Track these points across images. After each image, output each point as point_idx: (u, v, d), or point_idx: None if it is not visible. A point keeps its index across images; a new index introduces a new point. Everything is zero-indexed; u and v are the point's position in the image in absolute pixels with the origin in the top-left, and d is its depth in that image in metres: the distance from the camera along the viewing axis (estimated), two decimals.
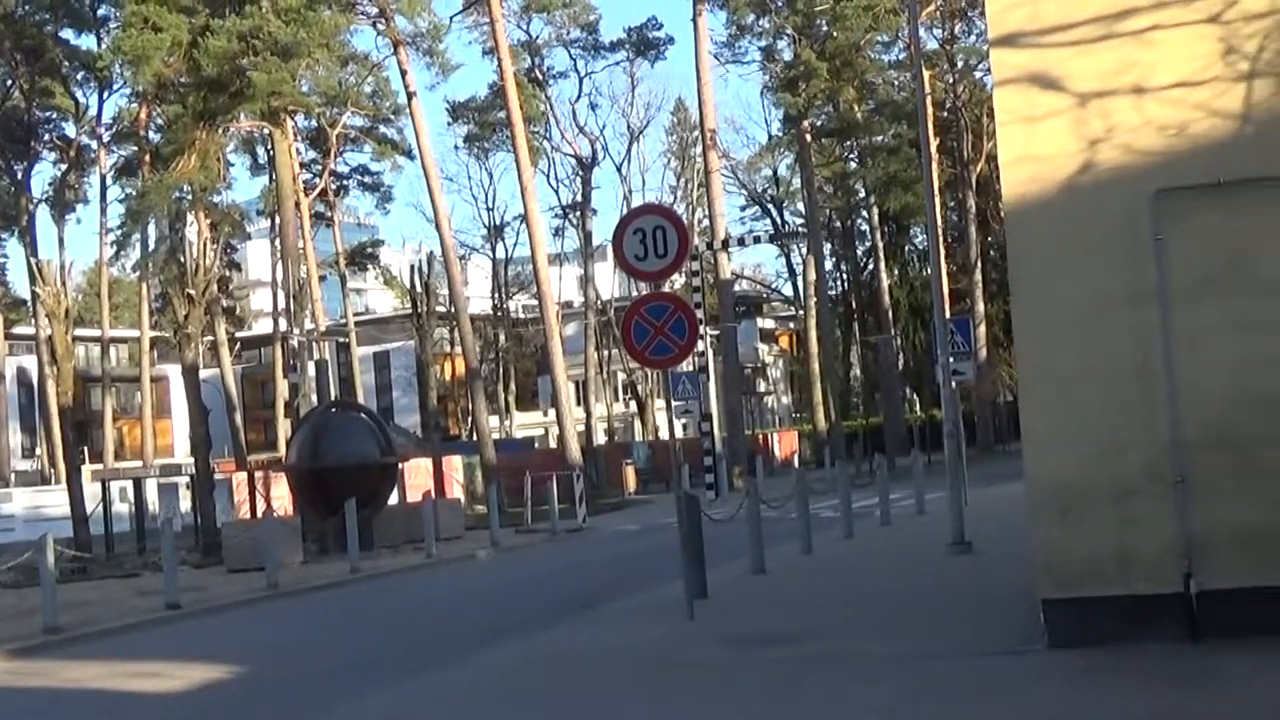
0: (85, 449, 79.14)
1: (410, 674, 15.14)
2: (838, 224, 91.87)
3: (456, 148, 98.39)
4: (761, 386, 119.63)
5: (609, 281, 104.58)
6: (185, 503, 45.57)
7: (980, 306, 74.13)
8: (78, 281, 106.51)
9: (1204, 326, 11.64)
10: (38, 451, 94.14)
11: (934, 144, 28.91)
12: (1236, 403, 11.66)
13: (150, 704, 15.44)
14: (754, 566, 21.62)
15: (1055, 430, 12.06)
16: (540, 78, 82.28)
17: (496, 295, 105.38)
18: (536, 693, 13.13)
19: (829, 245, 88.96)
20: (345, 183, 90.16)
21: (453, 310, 66.52)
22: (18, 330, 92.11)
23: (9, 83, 79.07)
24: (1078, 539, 11.95)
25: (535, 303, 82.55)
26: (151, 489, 47.16)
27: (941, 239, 34.11)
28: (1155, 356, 11.71)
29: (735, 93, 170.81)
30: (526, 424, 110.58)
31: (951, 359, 25.72)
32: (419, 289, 58.10)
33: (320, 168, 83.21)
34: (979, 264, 77.96)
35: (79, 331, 66.71)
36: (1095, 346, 11.89)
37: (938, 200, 27.35)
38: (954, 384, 25.10)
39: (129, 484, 46.22)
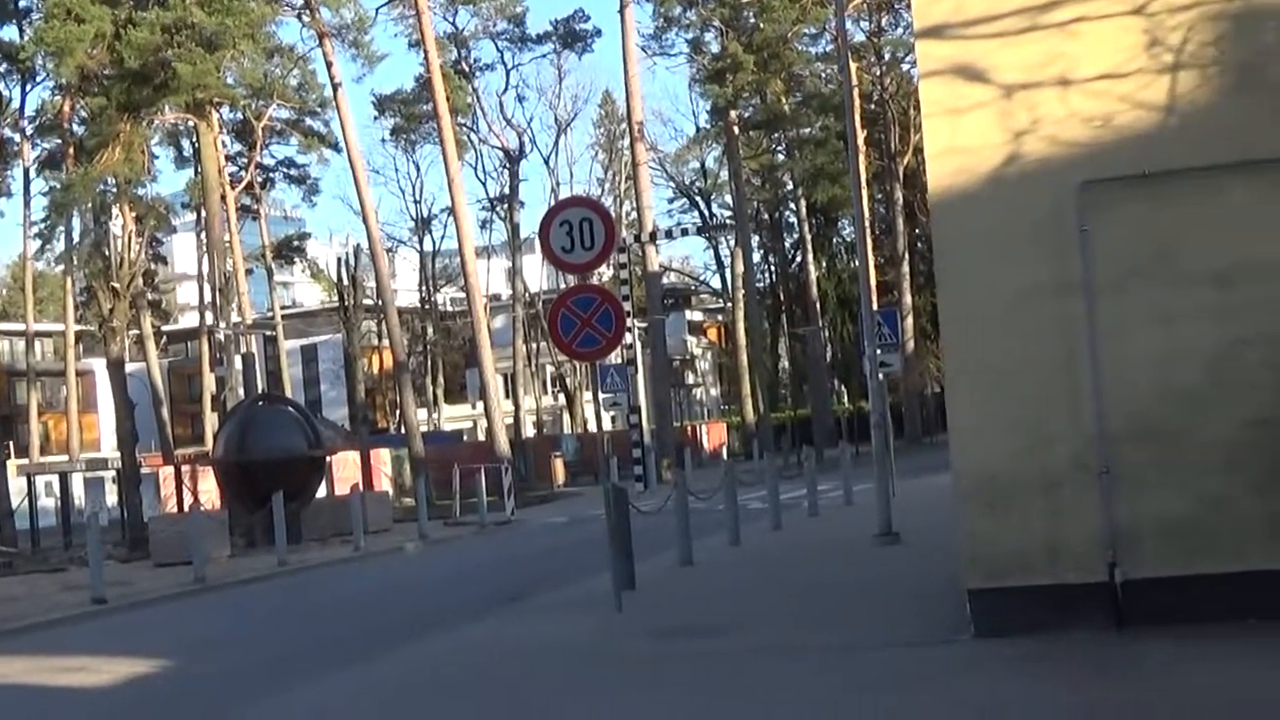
0: (10, 443, 78.50)
1: (338, 667, 15.08)
2: (765, 216, 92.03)
3: (383, 140, 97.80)
4: (690, 379, 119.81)
5: (537, 274, 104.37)
6: (111, 497, 45.29)
7: (908, 299, 74.46)
8: (1, 275, 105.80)
9: (1129, 318, 11.73)
10: None
11: (861, 136, 29.08)
12: (1161, 394, 11.75)
13: (76, 699, 15.33)
14: (682, 558, 21.65)
15: (982, 422, 12.12)
16: (467, 70, 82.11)
17: (424, 288, 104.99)
18: (464, 685, 13.11)
19: (757, 237, 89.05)
20: (271, 175, 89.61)
21: (380, 303, 66.24)
22: None
23: None
24: (1004, 530, 12.02)
25: (463, 295, 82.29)
26: (77, 483, 46.84)
27: (869, 231, 34.24)
28: (1081, 348, 11.79)
29: (663, 85, 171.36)
30: (455, 417, 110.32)
31: (879, 351, 25.90)
32: (346, 282, 58.09)
33: (246, 160, 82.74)
34: (907, 256, 78.27)
35: (3, 326, 66.21)
36: (1021, 338, 11.95)
37: (865, 192, 27.50)
38: (881, 376, 25.24)
39: (55, 478, 45.91)
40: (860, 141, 26.85)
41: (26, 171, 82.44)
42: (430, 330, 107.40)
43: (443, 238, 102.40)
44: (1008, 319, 12.00)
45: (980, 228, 12.14)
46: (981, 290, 12.11)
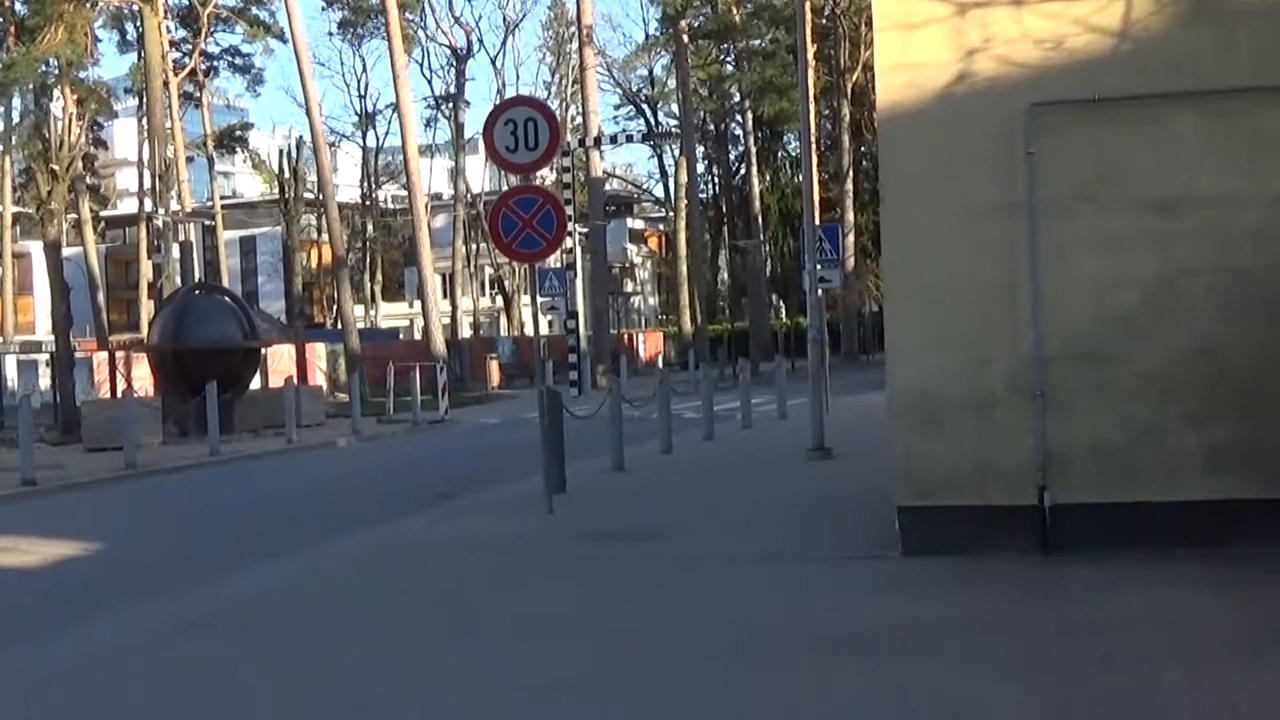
0: None
1: (267, 557, 15.10)
2: (711, 127, 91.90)
3: (330, 33, 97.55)
4: (629, 287, 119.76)
5: (479, 175, 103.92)
6: (45, 380, 45.02)
7: (850, 216, 74.47)
8: None
9: (1072, 242, 11.79)
10: None
11: (811, 51, 28.94)
12: (1100, 320, 11.83)
13: (5, 578, 15.31)
14: (614, 464, 21.76)
15: (919, 340, 12.17)
16: None
17: (366, 184, 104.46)
18: (393, 579, 13.15)
19: (701, 148, 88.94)
20: (215, 64, 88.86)
21: (321, 197, 65.91)
22: None
23: None
24: (937, 448, 12.11)
25: (404, 193, 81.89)
26: (10, 365, 46.54)
27: (814, 146, 34.18)
28: (1022, 270, 11.85)
29: None
30: (392, 315, 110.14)
31: (819, 267, 25.92)
32: (287, 174, 57.55)
33: (190, 47, 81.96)
34: (850, 173, 78.18)
35: None
36: (962, 258, 11.99)
37: (812, 107, 27.40)
38: (820, 292, 25.27)
39: None
40: (810, 56, 26.72)
41: None
42: (370, 227, 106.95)
43: (386, 134, 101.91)
44: (950, 238, 12.04)
45: (927, 145, 12.15)
46: (925, 208, 12.13)
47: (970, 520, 12.02)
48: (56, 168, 37.88)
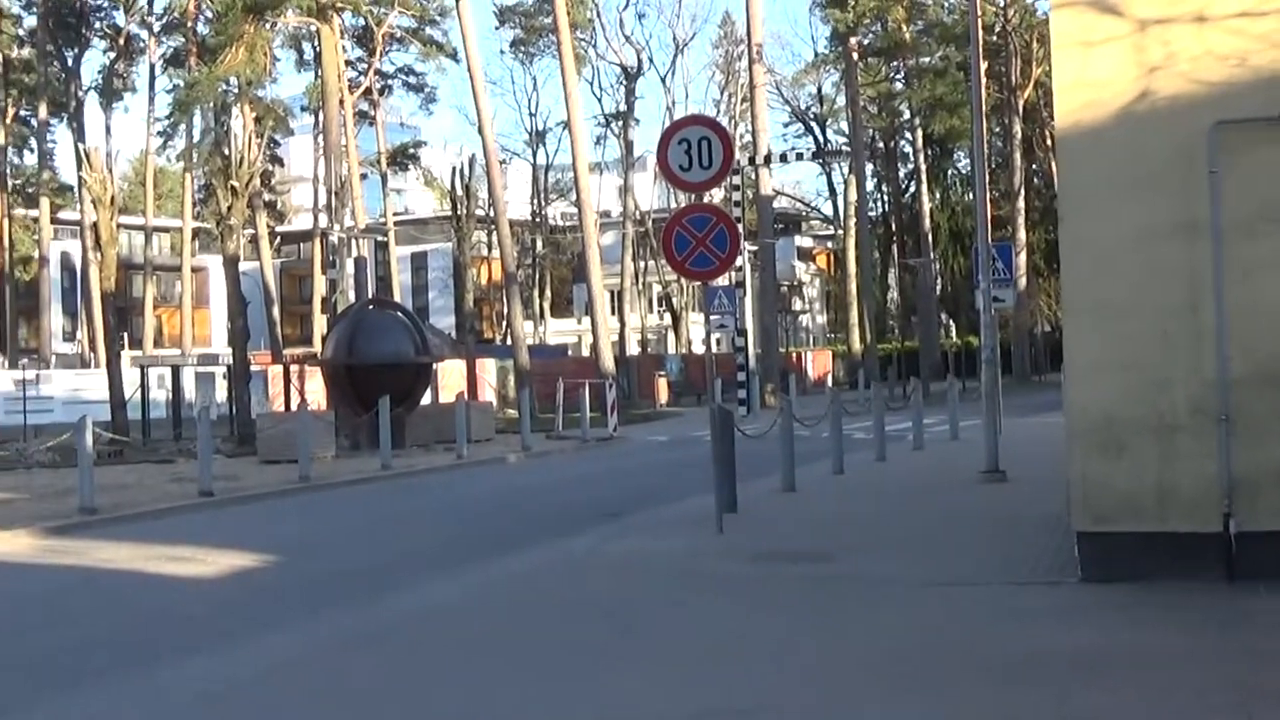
0: (125, 335, 79.53)
1: (438, 572, 15.21)
2: (881, 145, 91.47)
3: (502, 52, 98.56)
4: (797, 305, 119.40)
5: (648, 192, 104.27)
6: (221, 392, 45.71)
7: (1021, 234, 73.74)
8: (124, 170, 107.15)
9: (1256, 262, 11.49)
10: (78, 335, 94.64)
11: (982, 67, 28.65)
12: None
13: (183, 587, 15.55)
14: (785, 484, 21.60)
15: (1099, 361, 11.95)
16: None
17: (536, 201, 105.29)
18: (563, 598, 13.15)
19: (871, 166, 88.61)
20: (390, 82, 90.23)
21: (492, 214, 66.34)
22: (63, 215, 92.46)
23: None
24: (1116, 473, 11.86)
25: (574, 210, 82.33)
26: (189, 377, 47.35)
27: (986, 164, 33.85)
28: (1204, 291, 11.58)
29: (783, 8, 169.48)
30: (560, 331, 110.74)
31: (992, 285, 25.61)
32: (459, 191, 58.02)
33: (366, 66, 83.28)
34: (1022, 191, 77.44)
35: (123, 219, 66.96)
36: (1144, 278, 11.75)
37: (984, 125, 27.11)
38: (993, 310, 24.99)
39: (167, 371, 46.41)
40: (982, 73, 26.42)
41: (152, 68, 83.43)
42: (540, 244, 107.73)
43: (556, 152, 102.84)
44: (1130, 257, 11.81)
45: (1107, 163, 11.94)
46: (1105, 227, 11.92)
47: (1151, 547, 11.76)
48: (236, 184, 38.48)
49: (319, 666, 10.65)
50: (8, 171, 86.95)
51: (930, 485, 22.46)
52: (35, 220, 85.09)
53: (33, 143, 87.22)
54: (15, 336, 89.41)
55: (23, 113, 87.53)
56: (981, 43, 26.11)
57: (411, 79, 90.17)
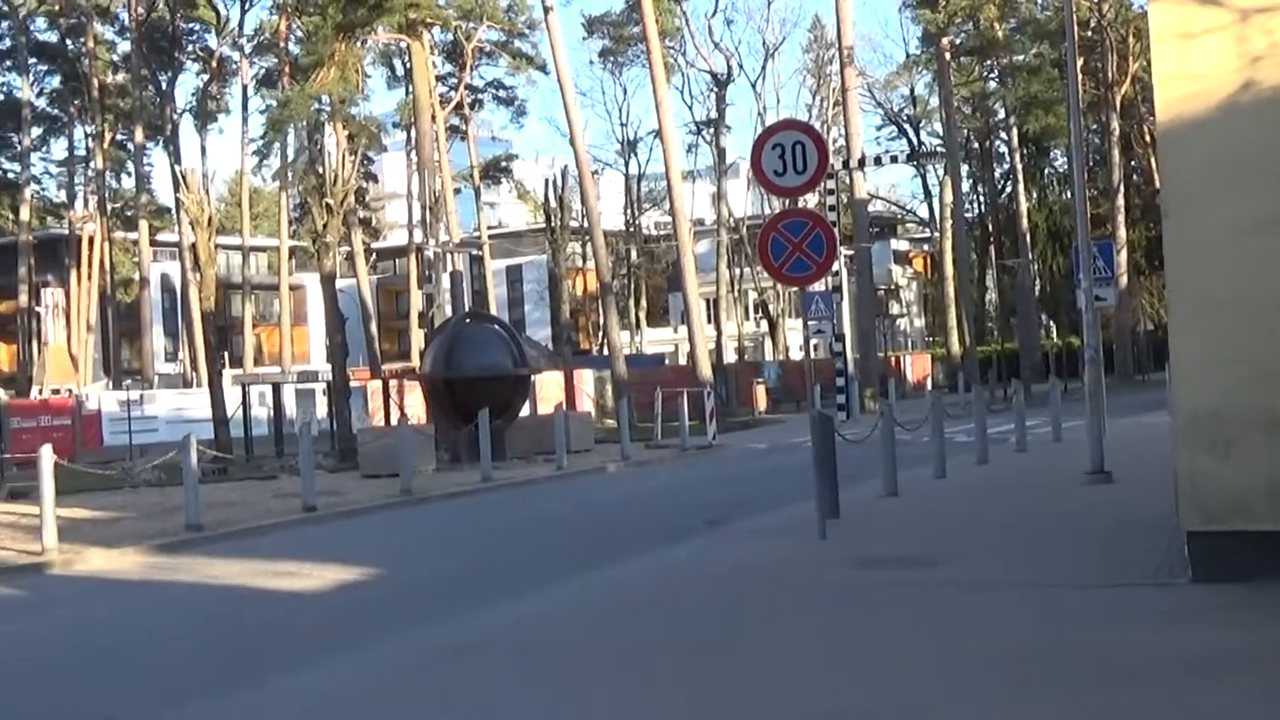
0: (226, 354, 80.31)
1: (541, 583, 15.20)
2: (975, 145, 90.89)
3: (591, 62, 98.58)
4: (894, 308, 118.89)
5: (742, 199, 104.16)
6: (321, 408, 46.06)
7: (1121, 232, 73.08)
8: (219, 191, 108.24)
9: None
10: (180, 355, 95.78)
11: (1078, 64, 28.37)
12: None
13: (289, 602, 15.63)
14: (886, 489, 21.46)
15: (1204, 356, 11.76)
16: None
17: (629, 211, 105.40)
18: (665, 604, 13.11)
19: (966, 166, 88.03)
20: (480, 96, 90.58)
21: (586, 225, 66.46)
22: (162, 237, 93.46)
23: None
24: (1226, 470, 11.66)
25: (667, 219, 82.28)
26: (289, 394, 47.71)
27: (1084, 162, 33.54)
28: None
29: (873, 9, 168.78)
30: (657, 340, 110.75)
31: (1094, 284, 25.33)
32: (553, 203, 58.21)
33: (456, 81, 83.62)
34: (1121, 188, 76.71)
35: (220, 239, 67.59)
36: (1251, 271, 11.55)
37: (1081, 122, 26.82)
38: (1095, 309, 24.72)
39: (268, 389, 46.77)
40: (1078, 69, 26.14)
41: (245, 89, 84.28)
42: (634, 253, 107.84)
43: (648, 161, 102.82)
44: (1236, 250, 11.61)
45: (1210, 156, 11.75)
46: (1209, 221, 11.73)
47: (1263, 546, 11.54)
48: (331, 202, 38.73)
49: (423, 677, 10.65)
50: (107, 195, 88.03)
51: (1034, 487, 22.25)
52: (135, 243, 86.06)
53: (130, 166, 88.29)
54: (119, 358, 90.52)
55: (120, 137, 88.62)
56: (1077, 38, 25.82)
57: (501, 92, 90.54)
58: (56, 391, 64.60)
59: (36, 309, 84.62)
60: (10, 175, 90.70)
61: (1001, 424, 34.63)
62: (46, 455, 20.70)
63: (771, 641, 11.15)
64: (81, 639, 12.33)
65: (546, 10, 58.07)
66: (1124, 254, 68.85)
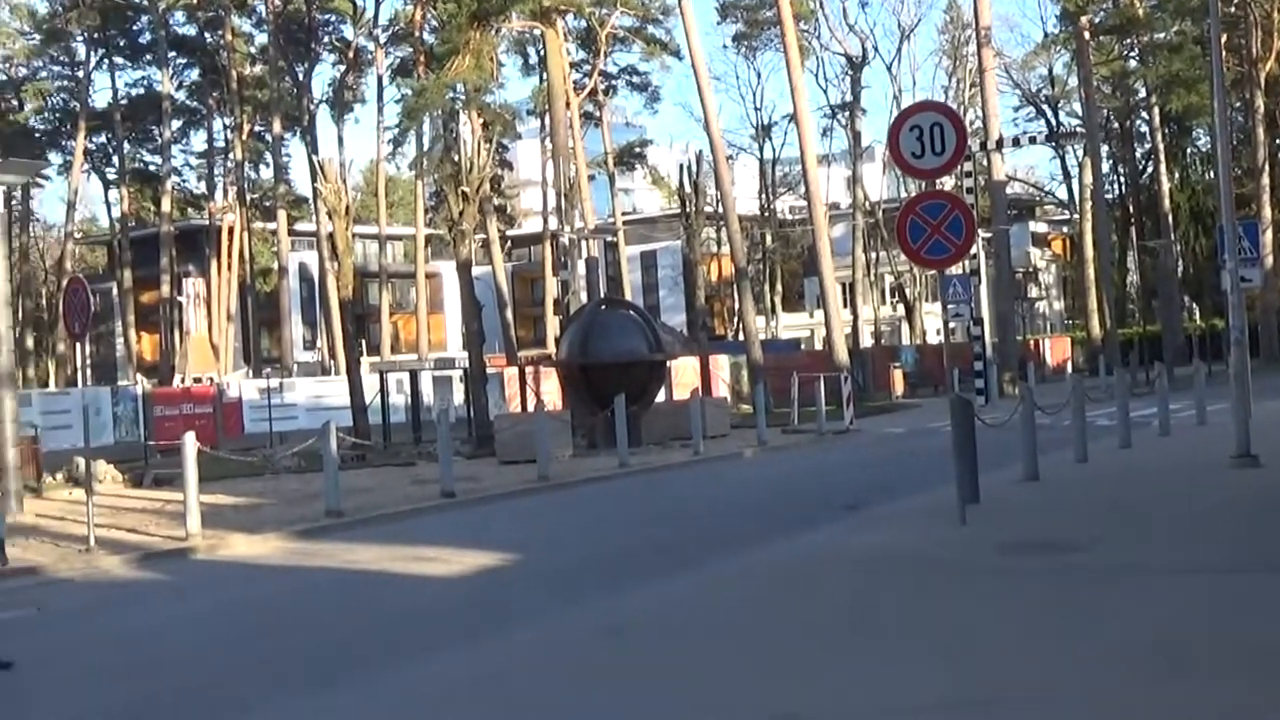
0: (363, 342, 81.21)
1: (680, 568, 15.17)
2: (1115, 125, 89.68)
3: (725, 47, 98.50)
4: (1033, 291, 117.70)
5: (877, 183, 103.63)
6: (458, 395, 46.37)
7: (1267, 212, 71.72)
8: (356, 180, 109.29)
9: None
10: (318, 344, 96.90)
11: (1221, 41, 27.87)
12: None
13: (428, 587, 15.72)
14: (1027, 473, 21.20)
15: None
16: None
17: (764, 195, 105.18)
18: (803, 589, 13.03)
19: (1106, 147, 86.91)
20: (614, 82, 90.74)
21: (720, 210, 66.38)
22: (300, 227, 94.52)
23: None
24: None
25: (802, 203, 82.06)
26: (426, 381, 48.04)
27: (1228, 141, 32.94)
28: None
29: None
30: (792, 325, 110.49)
31: (1238, 264, 24.88)
32: (687, 188, 58.14)
33: (590, 68, 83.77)
34: (1266, 167, 75.31)
35: (357, 228, 68.28)
36: None
37: (1225, 100, 26.35)
38: (1241, 290, 24.27)
39: (405, 376, 47.17)
40: (1221, 46, 25.66)
41: (380, 79, 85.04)
42: (769, 238, 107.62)
43: (783, 145, 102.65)
44: None
45: None
46: None
47: None
48: (466, 189, 38.90)
49: (564, 659, 10.67)
50: (246, 186, 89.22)
51: (1178, 472, 21.90)
52: (273, 233, 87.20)
53: (268, 157, 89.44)
54: (258, 346, 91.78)
55: (258, 128, 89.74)
56: (1220, 14, 25.35)
57: (635, 78, 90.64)
58: (198, 380, 65.78)
59: (178, 299, 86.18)
60: (152, 167, 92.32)
61: (1144, 408, 34.19)
62: (190, 442, 20.98)
63: (906, 625, 11.06)
64: (226, 623, 12.46)
65: None
66: (1269, 234, 67.49)
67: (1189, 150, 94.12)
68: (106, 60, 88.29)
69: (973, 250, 46.22)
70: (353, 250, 41.21)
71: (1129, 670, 9.05)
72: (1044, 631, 10.50)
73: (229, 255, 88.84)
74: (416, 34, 78.25)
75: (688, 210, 57.82)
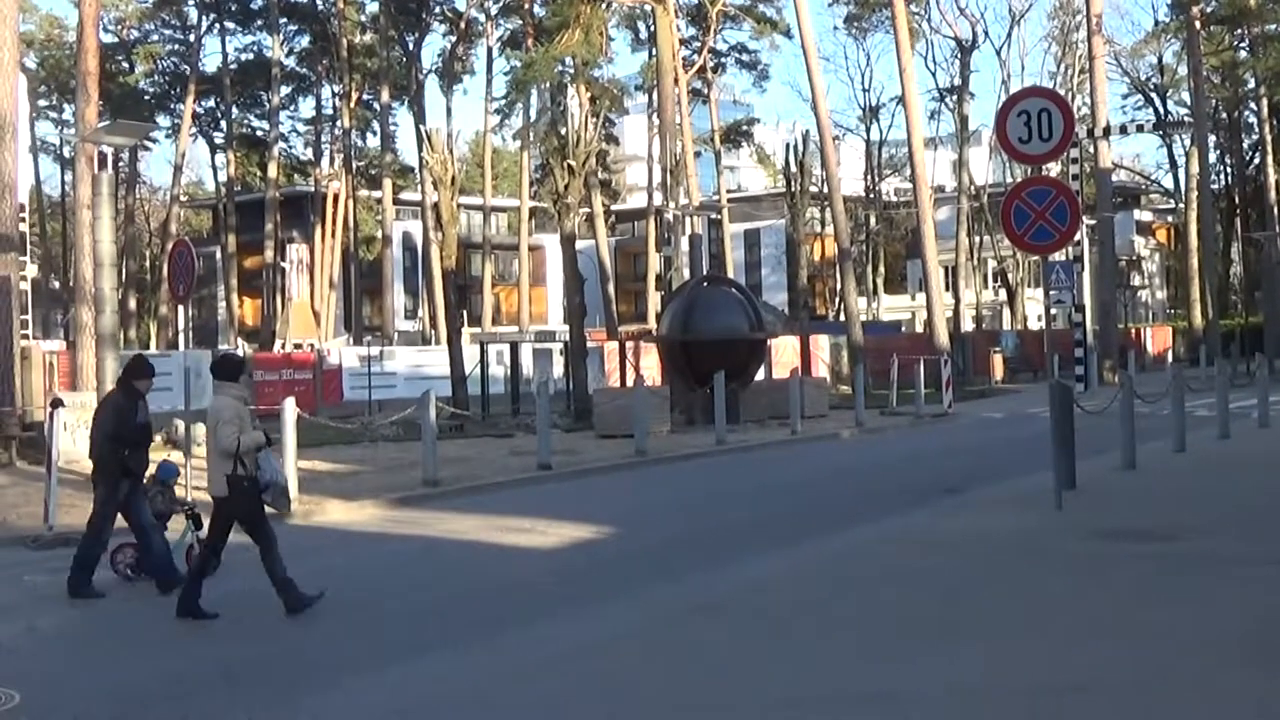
0: (465, 312, 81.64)
1: (776, 546, 15.32)
2: (1224, 115, 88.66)
3: (835, 28, 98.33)
4: (1135, 280, 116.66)
5: (983, 167, 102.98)
6: (558, 368, 46.57)
7: None
8: (462, 151, 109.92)
9: None
10: (420, 313, 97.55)
11: None
12: None
13: (523, 557, 15.92)
14: (1124, 461, 21.19)
15: None
16: None
17: (869, 177, 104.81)
18: (898, 571, 13.11)
19: (1213, 137, 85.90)
20: (723, 60, 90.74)
21: (825, 190, 66.27)
22: (404, 196, 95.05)
23: None
24: None
25: (907, 185, 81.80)
26: (526, 354, 48.30)
27: None
28: None
29: None
30: (893, 307, 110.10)
31: None
32: (793, 168, 58.08)
33: (699, 45, 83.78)
34: None
35: (462, 199, 68.65)
36: None
37: None
38: None
39: (505, 348, 47.38)
40: None
41: (490, 51, 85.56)
42: (873, 219, 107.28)
43: (889, 127, 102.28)
44: None
45: None
46: None
47: None
48: (572, 163, 39.06)
49: (659, 633, 10.85)
50: (352, 154, 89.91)
51: (1276, 463, 21.80)
52: (378, 201, 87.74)
53: (375, 126, 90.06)
54: (360, 314, 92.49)
55: (366, 96, 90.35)
56: None
57: (744, 56, 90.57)
58: (299, 346, 66.41)
59: (281, 264, 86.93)
60: (259, 133, 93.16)
61: (1243, 399, 33.94)
62: (290, 408, 21.22)
63: (1000, 610, 11.14)
64: (322, 589, 12.70)
65: None
66: None
67: None
68: (218, 25, 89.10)
69: (1076, 237, 46.01)
70: (457, 221, 41.47)
71: (1220, 660, 9.12)
72: (1137, 619, 10.55)
73: (333, 222, 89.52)
74: (527, 6, 78.61)
75: (792, 190, 57.73)
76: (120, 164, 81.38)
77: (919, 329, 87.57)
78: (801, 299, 65.45)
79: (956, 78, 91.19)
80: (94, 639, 12.38)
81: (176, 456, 19.85)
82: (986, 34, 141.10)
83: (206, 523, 13.15)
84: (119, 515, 14.32)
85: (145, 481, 14.63)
